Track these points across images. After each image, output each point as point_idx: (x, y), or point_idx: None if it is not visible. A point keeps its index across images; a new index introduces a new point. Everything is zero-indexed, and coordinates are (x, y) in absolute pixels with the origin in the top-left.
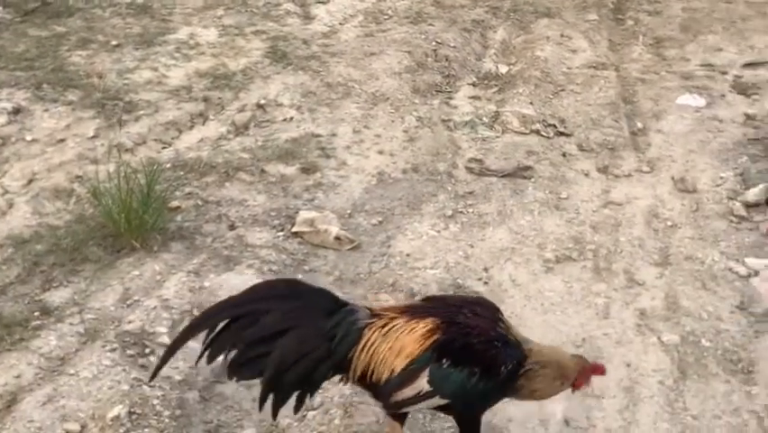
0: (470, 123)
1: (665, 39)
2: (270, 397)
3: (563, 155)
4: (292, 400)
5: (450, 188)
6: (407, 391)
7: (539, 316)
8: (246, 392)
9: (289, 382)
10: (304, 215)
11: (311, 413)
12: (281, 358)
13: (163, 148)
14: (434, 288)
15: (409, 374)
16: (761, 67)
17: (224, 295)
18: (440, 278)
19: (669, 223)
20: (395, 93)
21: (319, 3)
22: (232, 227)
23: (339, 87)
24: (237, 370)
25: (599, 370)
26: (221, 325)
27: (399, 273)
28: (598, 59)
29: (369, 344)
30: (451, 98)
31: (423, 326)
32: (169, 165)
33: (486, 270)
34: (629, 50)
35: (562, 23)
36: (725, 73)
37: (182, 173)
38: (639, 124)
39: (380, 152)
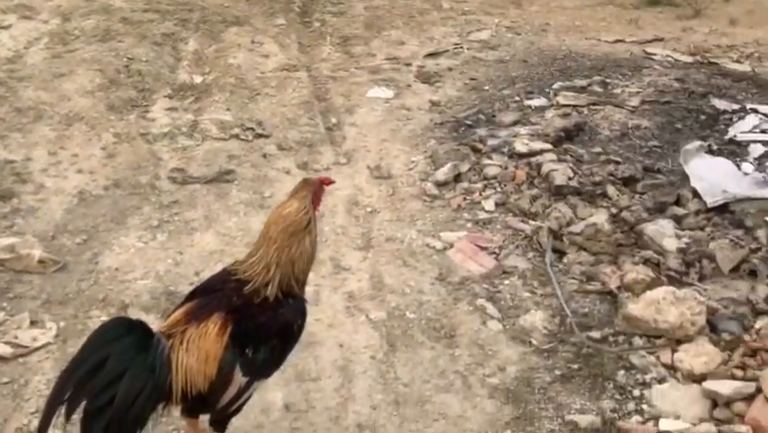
0: (169, 134)
1: (351, 37)
2: None
3: (264, 156)
4: None
5: (154, 200)
6: (231, 391)
7: None
8: None
9: (129, 421)
10: (3, 241)
11: None
12: (124, 401)
13: None
14: (147, 297)
15: (224, 379)
16: (441, 56)
17: None
18: (151, 287)
19: (369, 209)
20: (89, 112)
21: (0, 28)
22: None
23: (30, 111)
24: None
25: (326, 181)
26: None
27: (110, 288)
28: (290, 62)
29: (179, 365)
30: (147, 112)
31: (213, 325)
32: None
33: (197, 274)
34: (319, 51)
35: (252, 29)
36: (409, 65)
37: None
38: (334, 120)
39: (79, 171)
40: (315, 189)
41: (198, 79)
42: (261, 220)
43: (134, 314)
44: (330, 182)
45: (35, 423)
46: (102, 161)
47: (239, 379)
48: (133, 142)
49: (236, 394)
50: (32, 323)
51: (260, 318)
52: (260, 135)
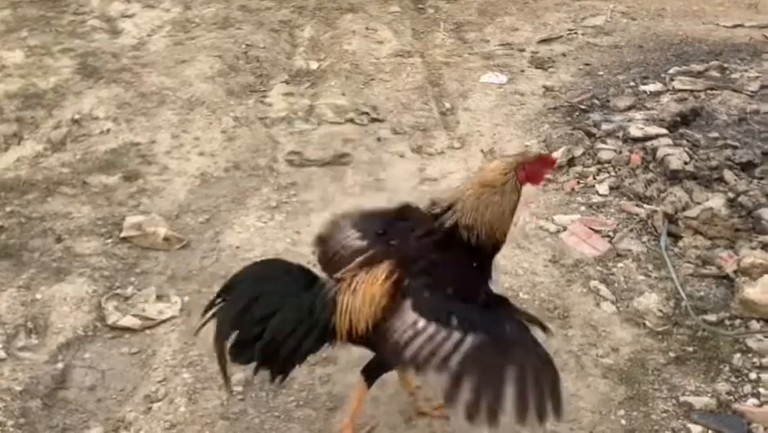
0: (287, 118)
1: (465, 23)
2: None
3: (378, 140)
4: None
5: (272, 181)
6: (400, 333)
7: None
8: (88, 395)
9: (281, 357)
10: (131, 220)
11: (156, 405)
12: (272, 337)
13: None
14: None
15: (393, 321)
16: (554, 42)
17: (57, 305)
18: None
19: None
20: (210, 97)
21: (125, 17)
22: (59, 240)
23: (153, 96)
24: (239, 352)
25: (545, 161)
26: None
27: (231, 265)
28: (404, 48)
29: (344, 306)
30: (265, 97)
31: (381, 271)
32: None
33: (314, 253)
34: (432, 37)
35: (367, 16)
36: (522, 51)
37: (1, 194)
38: (447, 105)
39: (201, 154)
40: (526, 160)
41: (314, 65)
42: (376, 202)
43: None
44: (551, 161)
45: (162, 390)
46: (222, 144)
47: (410, 319)
48: (252, 126)
49: (409, 338)
50: (158, 297)
51: (433, 257)
52: (375, 120)
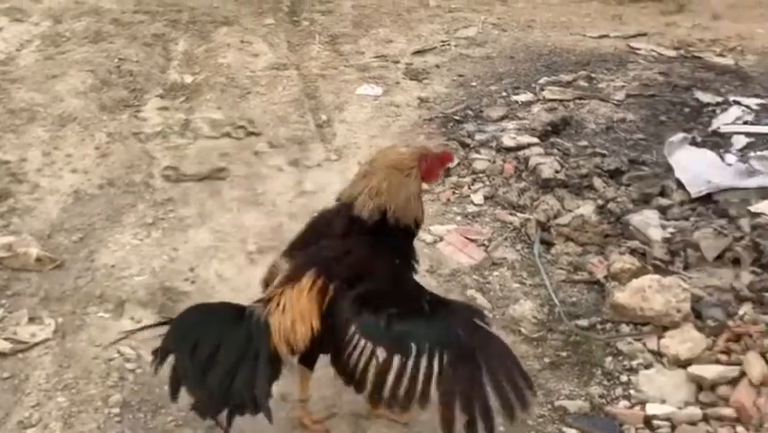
0: (162, 133)
1: (340, 36)
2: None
3: (255, 154)
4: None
5: (148, 198)
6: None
7: None
8: None
9: (237, 392)
10: (1, 240)
11: (30, 430)
12: (222, 377)
13: None
14: (143, 293)
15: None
16: (428, 54)
17: None
18: (147, 283)
19: None
20: (82, 112)
21: None
22: None
23: (23, 113)
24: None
25: (444, 158)
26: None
27: (106, 285)
28: (280, 61)
29: (278, 327)
30: (139, 112)
31: (305, 282)
32: None
33: (192, 270)
34: (308, 50)
35: (241, 29)
36: (397, 62)
37: None
38: (324, 117)
39: (74, 171)
40: (428, 155)
41: (189, 79)
42: (254, 216)
43: (131, 309)
44: (449, 158)
45: (36, 416)
46: (96, 161)
47: (368, 350)
48: (126, 142)
49: (379, 377)
50: (31, 319)
51: (357, 256)
52: (252, 133)
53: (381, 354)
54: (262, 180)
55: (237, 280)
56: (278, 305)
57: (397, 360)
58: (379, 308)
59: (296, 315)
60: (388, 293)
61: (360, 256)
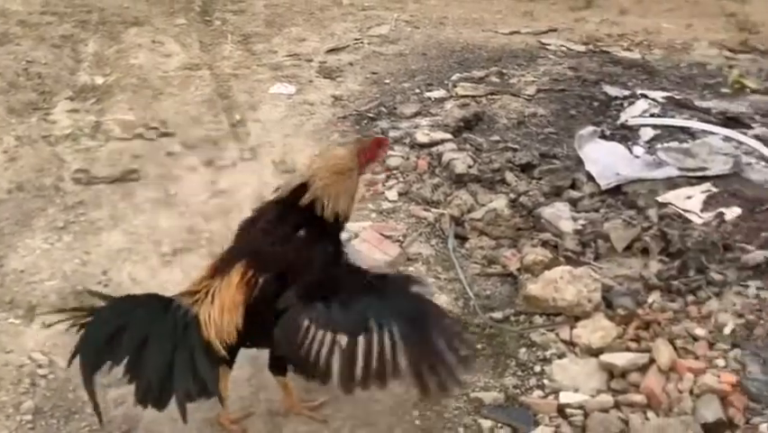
0: (72, 135)
1: (253, 35)
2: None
3: (168, 154)
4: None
5: (59, 201)
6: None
7: None
8: None
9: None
10: None
11: None
12: (153, 372)
13: None
14: (54, 297)
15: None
16: (342, 52)
17: None
18: (59, 288)
19: None
20: None
21: None
22: None
23: None
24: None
25: (380, 143)
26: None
27: (16, 290)
28: (192, 61)
29: (207, 319)
30: (49, 114)
31: (235, 273)
32: None
33: (105, 273)
34: (220, 49)
35: (152, 29)
36: (310, 61)
37: None
38: (237, 117)
39: None
40: (365, 145)
41: (100, 81)
42: (168, 218)
43: (42, 315)
44: (385, 143)
45: None
46: (4, 165)
47: (327, 339)
48: (35, 145)
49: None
50: None
51: (291, 247)
52: (164, 134)
53: (343, 339)
54: (176, 181)
55: (151, 283)
56: (207, 295)
57: (361, 340)
58: (327, 297)
59: (224, 306)
60: (331, 281)
61: (291, 249)
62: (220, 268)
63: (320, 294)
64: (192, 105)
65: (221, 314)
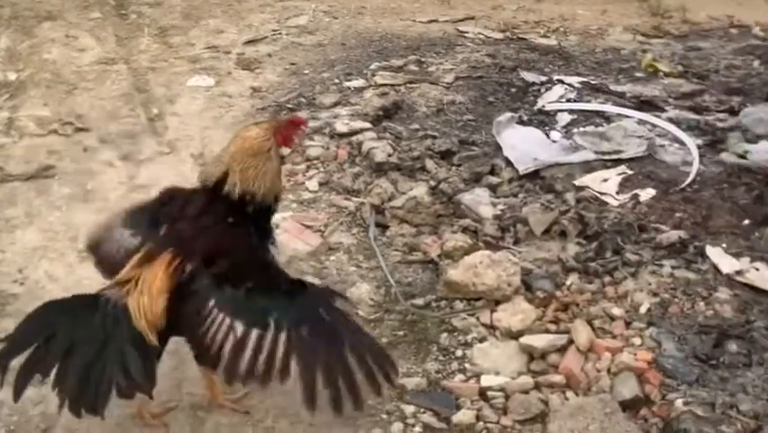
0: None
1: (169, 28)
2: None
3: (85, 150)
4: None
5: None
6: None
7: None
8: None
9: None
10: None
11: None
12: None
13: None
14: None
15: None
16: (260, 43)
17: None
18: None
19: None
20: None
21: None
22: None
23: None
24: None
25: (297, 122)
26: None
27: None
28: (108, 55)
29: (137, 310)
30: None
31: (160, 263)
32: None
33: (20, 271)
34: (137, 43)
35: (66, 24)
36: (228, 53)
37: None
38: (155, 111)
39: None
40: (280, 125)
41: (13, 76)
42: (85, 214)
43: None
44: (301, 122)
45: None
46: None
47: (225, 326)
48: None
49: (234, 350)
50: None
51: (214, 236)
52: (80, 129)
53: (239, 327)
54: (93, 177)
55: (68, 280)
56: (135, 285)
57: (255, 333)
58: (238, 283)
59: (152, 294)
60: (246, 269)
61: (217, 236)
62: (149, 256)
63: (234, 280)
64: (108, 99)
65: (150, 302)
